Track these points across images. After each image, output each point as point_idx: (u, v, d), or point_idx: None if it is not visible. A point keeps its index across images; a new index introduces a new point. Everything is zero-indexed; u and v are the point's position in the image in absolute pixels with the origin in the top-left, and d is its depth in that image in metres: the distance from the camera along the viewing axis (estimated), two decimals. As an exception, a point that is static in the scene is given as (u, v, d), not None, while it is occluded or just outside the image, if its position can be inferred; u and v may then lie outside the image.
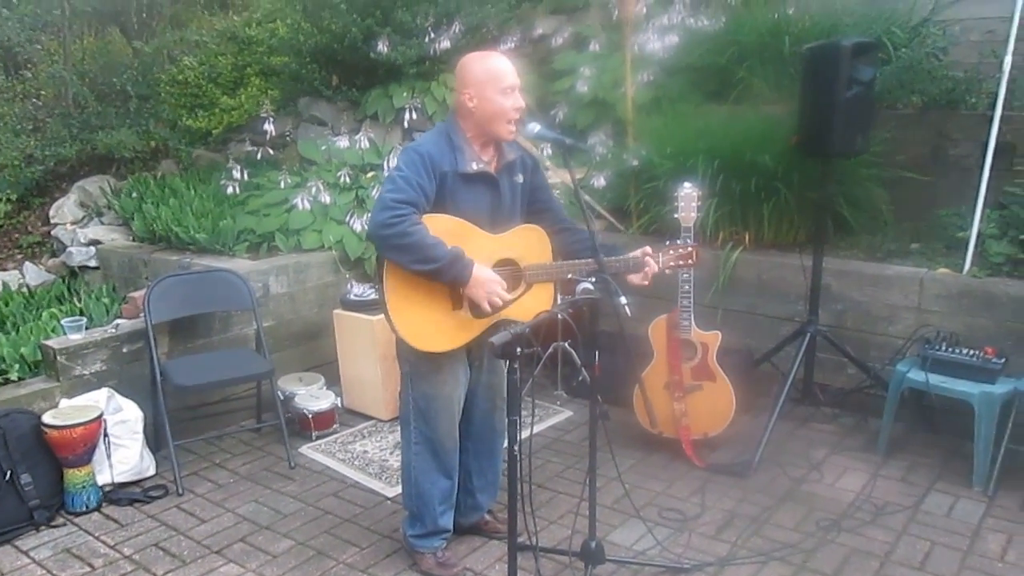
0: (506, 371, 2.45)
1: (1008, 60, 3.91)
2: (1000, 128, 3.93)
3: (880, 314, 4.12)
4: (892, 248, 4.42)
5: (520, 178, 2.90)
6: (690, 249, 3.00)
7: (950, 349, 3.63)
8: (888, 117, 4.66)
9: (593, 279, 2.64)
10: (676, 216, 3.64)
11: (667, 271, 2.98)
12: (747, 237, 4.54)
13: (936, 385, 3.58)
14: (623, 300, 2.53)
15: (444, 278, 2.65)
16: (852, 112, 3.74)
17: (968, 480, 3.54)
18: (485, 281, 2.68)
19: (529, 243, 2.88)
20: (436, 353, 2.79)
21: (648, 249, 2.90)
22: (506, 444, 2.54)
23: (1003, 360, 3.52)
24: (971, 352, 3.59)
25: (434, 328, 2.75)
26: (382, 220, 2.59)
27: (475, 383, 3.01)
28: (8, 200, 6.22)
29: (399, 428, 3.10)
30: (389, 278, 2.70)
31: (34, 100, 7.15)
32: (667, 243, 3.02)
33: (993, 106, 3.96)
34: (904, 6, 5.19)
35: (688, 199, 3.61)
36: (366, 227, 3.38)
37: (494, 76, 2.71)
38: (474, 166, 2.74)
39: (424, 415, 2.92)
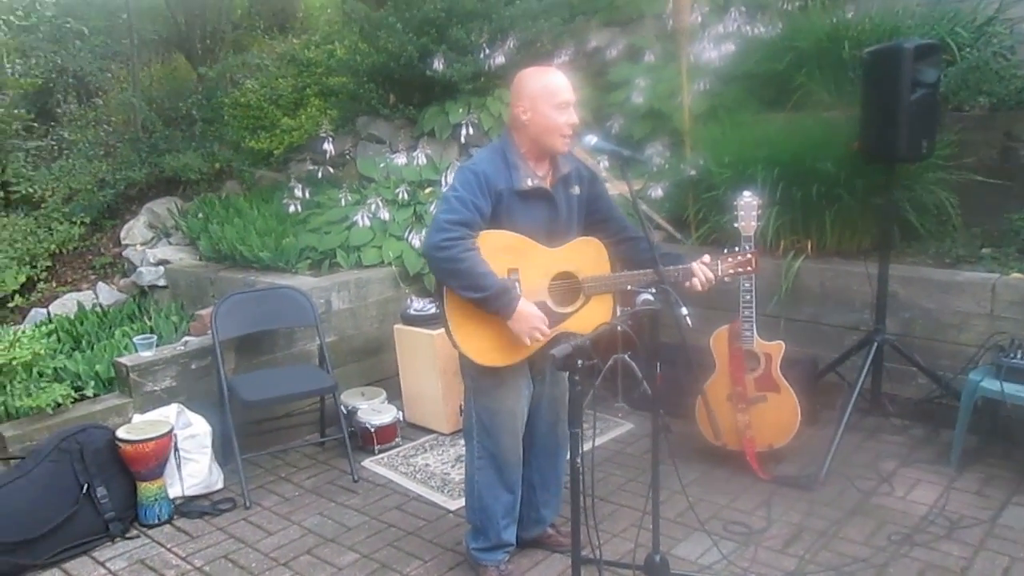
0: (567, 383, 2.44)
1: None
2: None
3: (950, 322, 4.00)
4: (961, 253, 4.30)
5: (576, 190, 2.91)
6: (749, 256, 2.96)
7: (1026, 357, 3.51)
8: (954, 119, 4.55)
9: (653, 290, 2.62)
10: (736, 225, 3.60)
11: (727, 279, 2.94)
12: (809, 245, 4.46)
13: (1012, 394, 3.46)
14: (684, 311, 2.51)
15: (490, 308, 2.66)
16: (916, 115, 3.66)
17: (1048, 493, 3.42)
18: (528, 316, 2.68)
19: (586, 255, 2.88)
20: (497, 367, 2.80)
21: (707, 258, 2.88)
22: (568, 457, 2.53)
23: (1082, 368, 3.40)
24: (1048, 360, 3.46)
25: (495, 342, 2.76)
26: (435, 242, 2.62)
27: (539, 396, 3.01)
28: (82, 223, 6.46)
29: (461, 441, 3.12)
30: (449, 295, 2.73)
31: (105, 126, 7.44)
32: (725, 251, 2.99)
33: (1065, 105, 3.84)
34: (968, 6, 5.07)
35: (748, 208, 3.57)
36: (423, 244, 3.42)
37: (549, 91, 2.73)
38: (529, 183, 2.75)
39: (487, 430, 2.93)
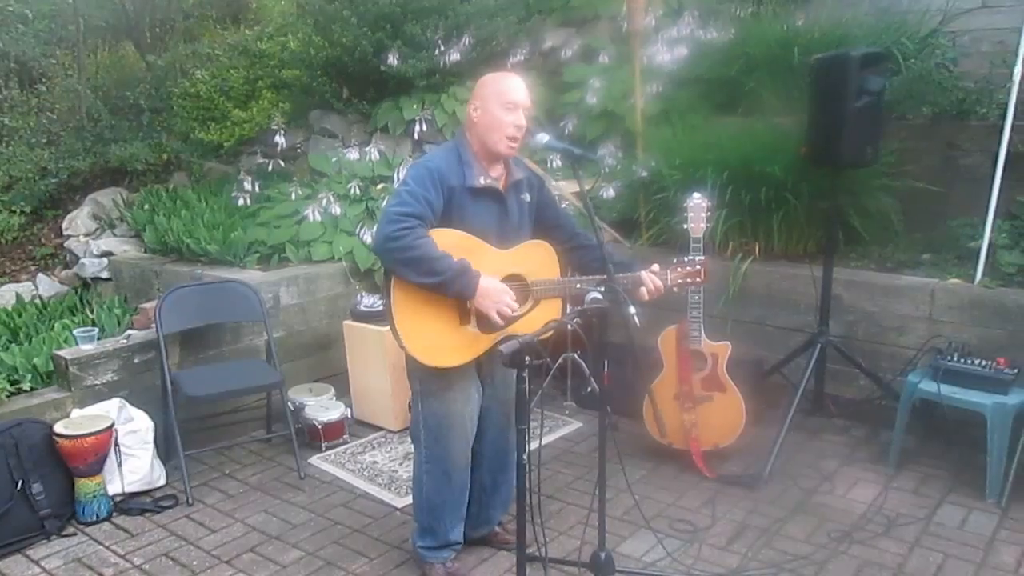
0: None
1: (1019, 70, 3.90)
2: (1011, 138, 3.92)
3: (891, 325, 4.10)
4: (903, 258, 4.41)
5: (527, 197, 2.92)
6: (698, 267, 2.99)
7: (962, 360, 3.61)
8: (898, 128, 4.66)
9: (602, 288, 2.63)
10: (686, 227, 3.65)
11: (675, 289, 2.97)
12: (757, 248, 4.53)
13: (948, 396, 3.56)
14: (632, 310, 2.52)
15: (451, 290, 2.64)
16: (861, 123, 3.75)
17: (981, 492, 3.51)
18: (492, 291, 2.68)
19: (537, 258, 2.89)
20: (445, 369, 2.78)
21: (656, 267, 2.90)
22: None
23: (1016, 371, 3.50)
24: (983, 363, 3.56)
25: (442, 343, 2.74)
26: (387, 233, 2.59)
27: (490, 399, 3.00)
28: (22, 212, 6.28)
29: (409, 439, 3.09)
30: (396, 294, 2.69)
31: (48, 114, 7.23)
32: (675, 260, 3.01)
33: (1004, 116, 3.96)
34: (914, 18, 5.20)
35: (697, 210, 3.62)
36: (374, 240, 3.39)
37: (500, 90, 2.75)
38: (482, 180, 2.75)
39: (435, 434, 2.90)
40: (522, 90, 2.77)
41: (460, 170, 2.74)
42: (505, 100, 2.72)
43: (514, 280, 2.81)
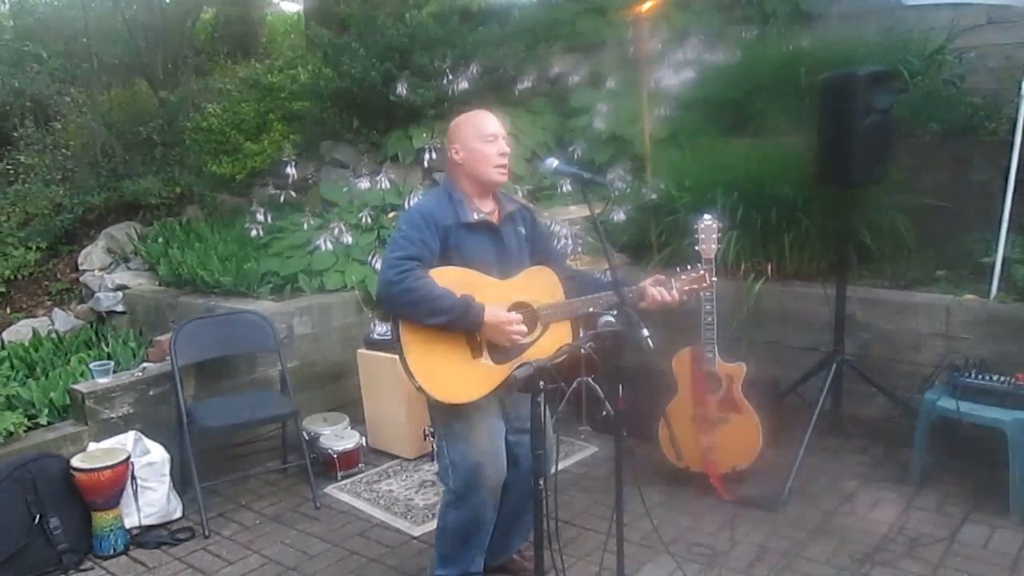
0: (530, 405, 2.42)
1: (1026, 85, 3.91)
2: (1021, 152, 3.91)
3: (907, 342, 4.07)
4: (917, 276, 4.39)
5: (522, 229, 2.95)
6: (702, 272, 3.00)
7: (980, 376, 3.58)
8: (908, 145, 4.65)
9: (614, 312, 2.62)
10: (697, 248, 3.64)
11: (683, 297, 2.97)
12: (769, 268, 4.52)
13: (967, 413, 3.52)
14: (645, 332, 2.51)
15: (459, 327, 2.65)
16: (870, 141, 3.74)
17: (1005, 510, 3.46)
18: (499, 322, 2.68)
19: (539, 284, 2.88)
20: (465, 406, 2.75)
21: (660, 277, 2.91)
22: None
23: (1034, 386, 3.47)
24: (1001, 378, 3.53)
25: (457, 378, 2.72)
26: (387, 278, 2.63)
27: (518, 432, 2.93)
28: (38, 248, 6.36)
29: (425, 466, 3.08)
30: (406, 335, 2.68)
31: (63, 151, 7.33)
32: (678, 269, 3.02)
33: (1013, 131, 3.95)
34: (919, 35, 5.22)
35: (708, 231, 3.60)
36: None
37: (475, 127, 2.80)
38: (475, 216, 2.78)
39: (464, 479, 2.83)
40: (495, 121, 2.83)
41: (452, 209, 2.77)
42: (483, 134, 2.78)
43: (520, 308, 2.80)
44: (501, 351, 2.73)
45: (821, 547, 3.32)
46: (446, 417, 2.82)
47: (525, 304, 2.81)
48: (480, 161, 2.77)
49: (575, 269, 3.02)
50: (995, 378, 3.54)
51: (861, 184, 3.97)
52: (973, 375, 3.59)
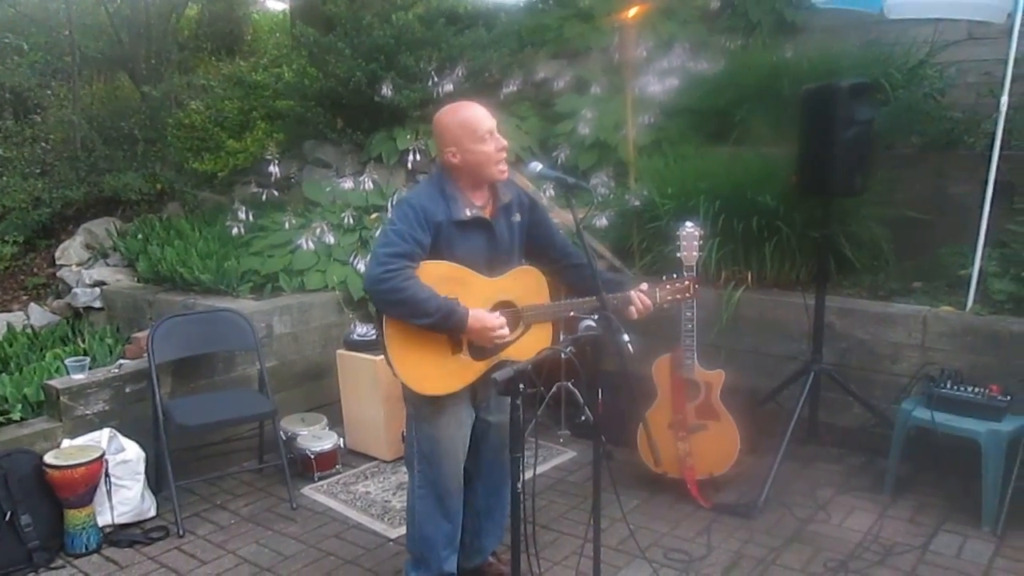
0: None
1: (1005, 100, 3.96)
2: (999, 167, 3.96)
3: (884, 352, 4.11)
4: (894, 287, 4.43)
5: (517, 217, 2.92)
6: (687, 282, 3.01)
7: (955, 387, 3.62)
8: (888, 157, 4.70)
9: (596, 316, 2.63)
10: (678, 255, 3.66)
11: (665, 305, 2.98)
12: (749, 276, 4.55)
13: (942, 423, 3.55)
14: (626, 338, 2.52)
15: (442, 329, 2.66)
16: (851, 152, 3.78)
17: (977, 519, 3.50)
18: (483, 326, 2.68)
19: (526, 284, 2.89)
20: (439, 395, 2.78)
21: (644, 285, 2.92)
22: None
23: (1008, 398, 3.51)
24: (976, 390, 3.57)
25: (435, 371, 2.74)
26: (375, 275, 2.62)
27: (485, 424, 2.99)
28: (15, 242, 6.28)
29: (402, 469, 3.07)
30: (389, 324, 2.70)
31: (43, 144, 7.25)
32: (664, 277, 3.03)
33: (991, 145, 4.00)
34: (901, 49, 5.27)
35: (690, 239, 3.63)
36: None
37: (469, 127, 2.73)
38: (467, 213, 2.76)
39: (428, 458, 2.90)
40: (486, 115, 2.77)
41: (445, 205, 2.75)
42: (480, 134, 2.72)
43: (504, 307, 2.82)
44: (481, 348, 2.74)
45: (796, 554, 3.34)
46: (417, 399, 2.84)
47: (509, 303, 2.82)
48: (482, 163, 2.75)
49: (578, 257, 2.98)
50: (970, 389, 3.58)
51: (841, 195, 4.01)
52: (949, 386, 3.63)
